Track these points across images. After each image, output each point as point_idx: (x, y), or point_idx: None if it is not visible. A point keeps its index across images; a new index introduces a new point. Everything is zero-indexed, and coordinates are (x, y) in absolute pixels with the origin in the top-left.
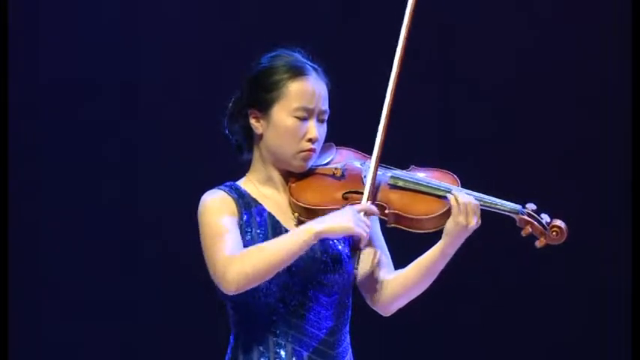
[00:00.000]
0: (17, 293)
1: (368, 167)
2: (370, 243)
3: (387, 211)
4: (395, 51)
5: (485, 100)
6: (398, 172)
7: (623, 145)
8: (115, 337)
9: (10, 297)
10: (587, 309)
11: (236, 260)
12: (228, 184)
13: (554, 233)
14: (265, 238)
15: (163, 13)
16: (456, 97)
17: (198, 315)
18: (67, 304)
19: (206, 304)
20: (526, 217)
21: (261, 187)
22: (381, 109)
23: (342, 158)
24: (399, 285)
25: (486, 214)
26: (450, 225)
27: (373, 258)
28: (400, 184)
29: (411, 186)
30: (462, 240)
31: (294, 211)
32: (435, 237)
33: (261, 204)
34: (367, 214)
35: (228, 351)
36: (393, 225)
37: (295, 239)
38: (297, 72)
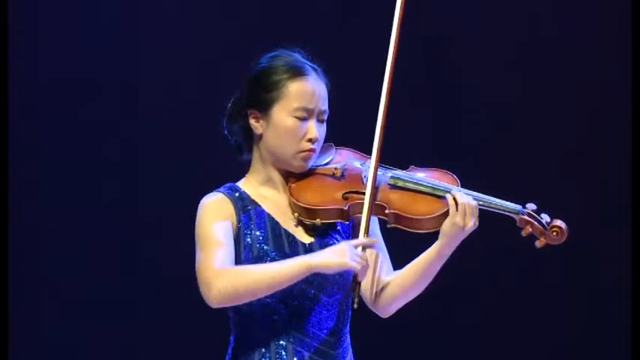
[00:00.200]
0: (17, 293)
1: (368, 167)
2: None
3: (387, 211)
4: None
5: (486, 100)
6: (398, 172)
7: (623, 145)
8: (115, 337)
9: (10, 297)
10: (587, 309)
11: (224, 276)
12: (227, 185)
13: (554, 233)
14: (265, 240)
15: (163, 13)
16: (456, 97)
17: (199, 315)
18: (67, 304)
19: (206, 304)
20: (526, 217)
21: (261, 187)
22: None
23: (342, 158)
24: (396, 286)
25: (487, 215)
26: (446, 225)
27: (372, 259)
28: (400, 184)
29: (411, 186)
30: (458, 241)
31: (293, 211)
32: (435, 237)
33: (260, 205)
34: (364, 247)
35: (229, 351)
36: (393, 225)
37: (288, 270)
38: (297, 72)
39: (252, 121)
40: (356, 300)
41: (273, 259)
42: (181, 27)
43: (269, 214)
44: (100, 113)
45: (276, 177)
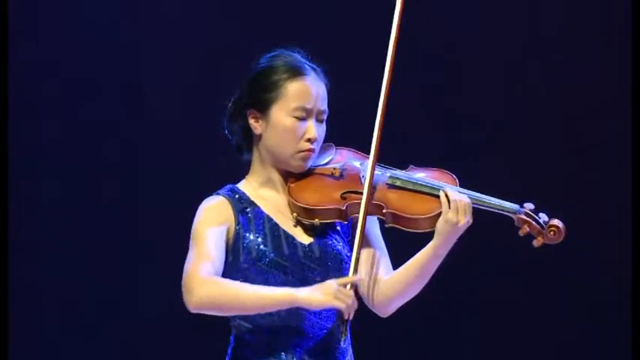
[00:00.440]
0: (17, 293)
1: (366, 167)
2: (368, 244)
3: (384, 211)
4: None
5: (486, 101)
6: (396, 172)
7: (624, 145)
8: (115, 337)
9: (10, 297)
10: (587, 309)
11: (207, 286)
12: (227, 187)
13: (551, 233)
14: (264, 242)
15: (163, 13)
16: (456, 97)
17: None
18: (67, 304)
19: None
20: (524, 217)
21: (260, 188)
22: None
23: (342, 158)
24: (393, 285)
25: (485, 214)
26: (440, 223)
27: (371, 259)
28: (398, 183)
29: (409, 186)
30: (452, 239)
31: (292, 211)
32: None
33: (258, 206)
34: (352, 286)
35: (229, 351)
36: (390, 225)
37: (271, 298)
38: (296, 72)
39: (251, 121)
40: (343, 337)
41: (271, 260)
42: (181, 27)
43: (268, 216)
44: (100, 113)
45: (276, 177)
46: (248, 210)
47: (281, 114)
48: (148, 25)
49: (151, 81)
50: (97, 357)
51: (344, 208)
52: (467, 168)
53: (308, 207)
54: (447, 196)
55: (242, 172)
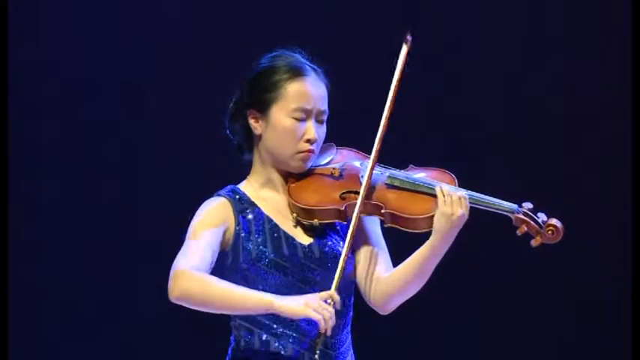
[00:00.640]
0: (17, 293)
1: (366, 167)
2: (368, 242)
3: (383, 211)
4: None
5: (486, 101)
6: (395, 172)
7: (624, 145)
8: (115, 337)
9: (10, 297)
10: (587, 309)
11: (188, 279)
12: (229, 188)
13: (549, 232)
14: (264, 242)
15: (163, 13)
16: (456, 97)
17: (199, 315)
18: (67, 304)
19: None
20: (522, 216)
21: (261, 189)
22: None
23: (342, 158)
24: (392, 283)
25: (484, 214)
26: (436, 218)
27: (371, 257)
28: (397, 183)
29: (408, 186)
30: (450, 236)
31: (292, 212)
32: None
33: (258, 207)
34: (332, 301)
35: (229, 351)
36: (389, 225)
37: (248, 300)
38: (296, 73)
39: (251, 121)
40: (317, 353)
41: (271, 261)
42: (181, 27)
43: (268, 216)
44: (100, 113)
45: (276, 178)
46: (248, 211)
47: (281, 114)
48: (148, 25)
49: (151, 81)
50: (97, 357)
51: (343, 208)
52: (467, 168)
53: (307, 207)
54: (441, 189)
55: (242, 172)
